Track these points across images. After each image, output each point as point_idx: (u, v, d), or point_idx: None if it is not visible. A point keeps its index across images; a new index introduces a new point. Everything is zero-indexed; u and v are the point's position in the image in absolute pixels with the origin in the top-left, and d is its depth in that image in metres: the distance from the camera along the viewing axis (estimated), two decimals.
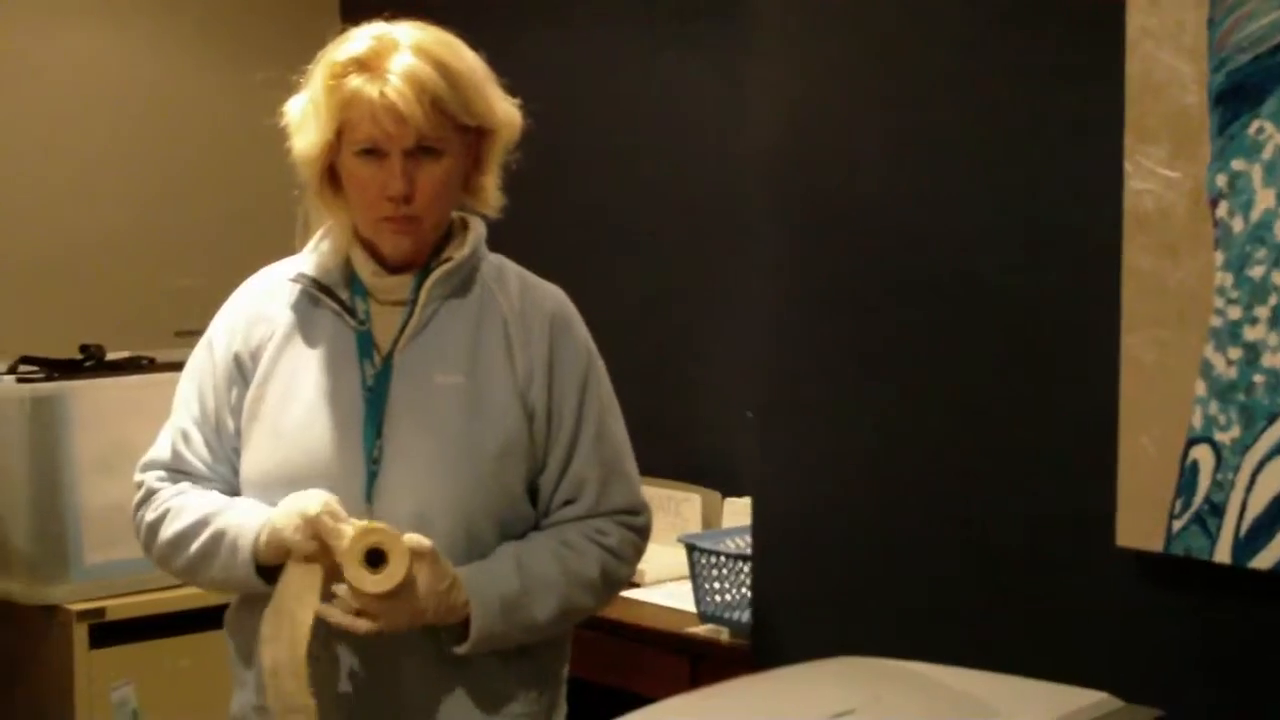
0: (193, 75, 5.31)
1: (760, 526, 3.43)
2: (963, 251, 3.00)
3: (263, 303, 2.69)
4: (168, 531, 2.65)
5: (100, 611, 4.19)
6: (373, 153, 2.53)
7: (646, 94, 4.75)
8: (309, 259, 2.68)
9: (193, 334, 5.04)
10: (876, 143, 3.16)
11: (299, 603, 2.50)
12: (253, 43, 5.36)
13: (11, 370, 4.38)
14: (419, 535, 2.48)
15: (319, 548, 2.49)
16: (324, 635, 2.54)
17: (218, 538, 2.59)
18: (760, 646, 3.40)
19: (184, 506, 2.65)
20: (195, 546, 2.61)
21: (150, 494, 2.69)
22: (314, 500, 2.48)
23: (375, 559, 2.44)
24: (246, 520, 2.57)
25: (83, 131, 5.12)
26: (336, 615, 2.47)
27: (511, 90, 2.65)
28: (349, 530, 2.45)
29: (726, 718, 2.08)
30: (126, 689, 4.20)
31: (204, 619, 4.22)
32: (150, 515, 2.68)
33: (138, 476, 2.72)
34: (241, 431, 2.64)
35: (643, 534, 2.71)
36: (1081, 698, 2.20)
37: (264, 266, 2.79)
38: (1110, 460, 2.74)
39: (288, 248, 2.79)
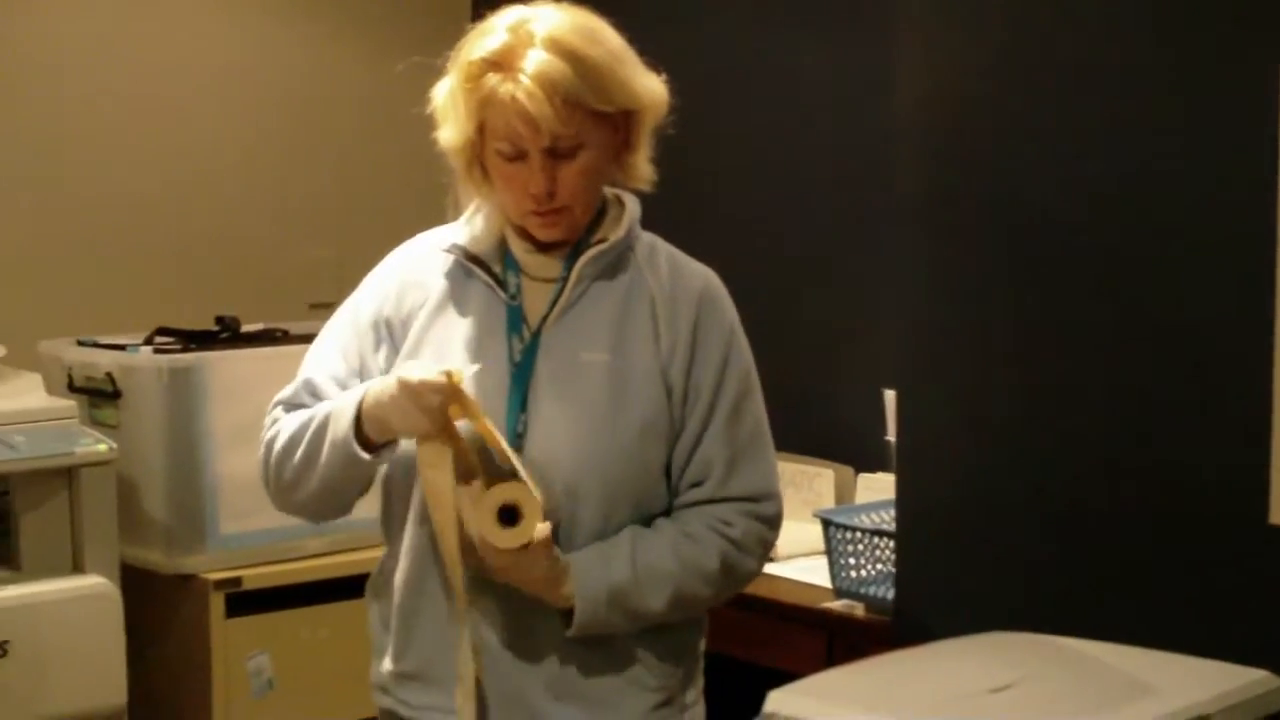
0: (327, 50, 5.32)
1: (905, 502, 3.40)
2: (1114, 235, 2.97)
3: (418, 270, 2.68)
4: (280, 442, 2.64)
5: (236, 581, 4.23)
6: (513, 152, 2.51)
7: (781, 75, 4.73)
8: (463, 230, 2.67)
9: (326, 306, 5.10)
10: (1023, 129, 3.14)
11: (436, 470, 2.49)
12: (387, 19, 5.37)
13: (148, 341, 4.42)
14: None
15: (433, 423, 2.47)
16: (472, 600, 2.54)
17: (324, 420, 2.57)
18: (903, 622, 3.38)
19: (291, 418, 2.64)
20: (305, 439, 2.59)
21: (273, 422, 2.69)
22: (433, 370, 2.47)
23: (508, 516, 2.44)
24: (346, 398, 2.56)
25: (221, 109, 5.14)
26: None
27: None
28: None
29: (886, 690, 2.06)
30: (261, 658, 4.23)
31: (340, 589, 4.26)
32: (266, 436, 2.68)
33: (265, 420, 2.72)
34: None
35: (771, 524, 2.66)
36: (1241, 675, 2.16)
37: (398, 239, 2.78)
38: (1265, 437, 2.70)
39: (422, 222, 2.79)
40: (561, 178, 2.51)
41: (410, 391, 2.45)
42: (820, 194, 4.64)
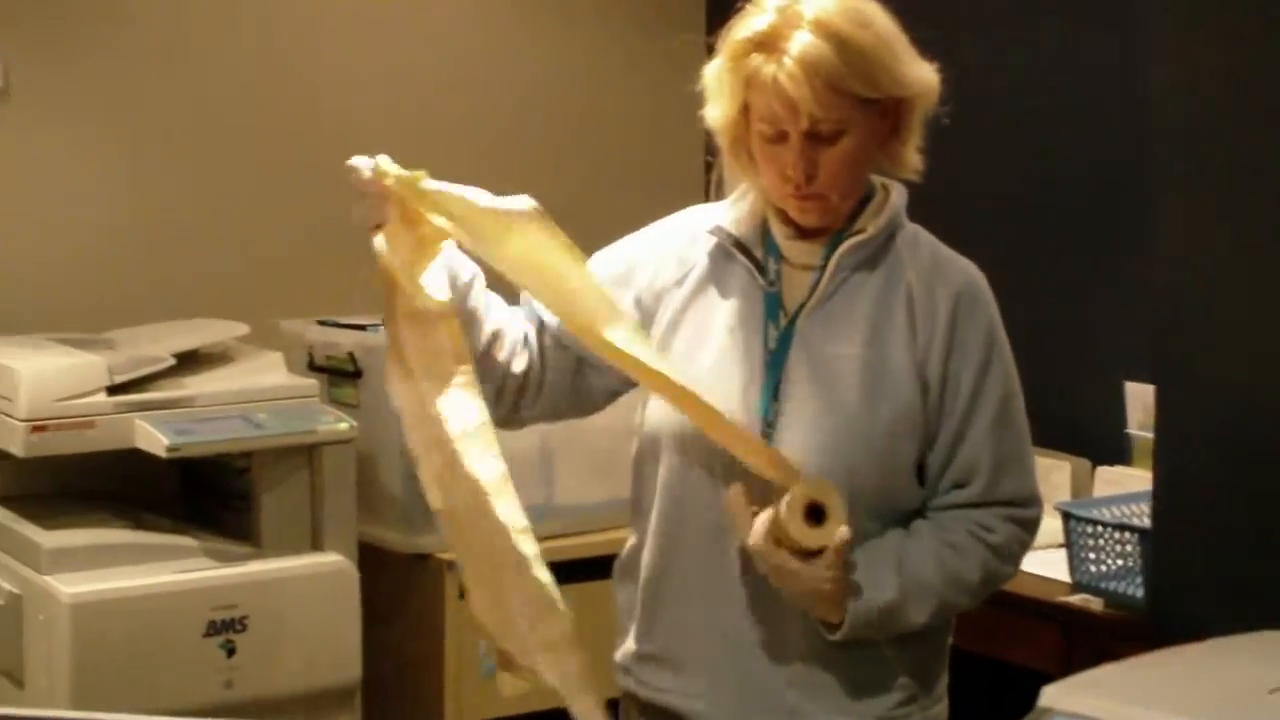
0: (569, 38, 5.34)
1: (1162, 496, 3.34)
2: None
3: (679, 245, 2.68)
4: None
5: None
6: (774, 133, 2.50)
7: (1034, 63, 4.67)
8: (728, 213, 2.66)
9: None
10: None
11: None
12: (635, 7, 5.37)
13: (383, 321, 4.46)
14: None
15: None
16: (720, 586, 2.55)
17: None
18: (1159, 618, 3.31)
19: None
20: None
21: None
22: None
23: (815, 514, 2.41)
24: None
25: (459, 95, 5.19)
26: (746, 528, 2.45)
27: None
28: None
29: (1163, 688, 2.02)
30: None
31: (574, 571, 4.23)
32: None
33: None
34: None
35: (1030, 528, 2.62)
36: None
37: (634, 227, 2.77)
38: None
39: (662, 211, 2.78)
40: (821, 162, 2.49)
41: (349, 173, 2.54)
42: (1060, 187, 4.58)
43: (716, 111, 2.54)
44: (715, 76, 2.53)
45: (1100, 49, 4.44)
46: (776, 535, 2.42)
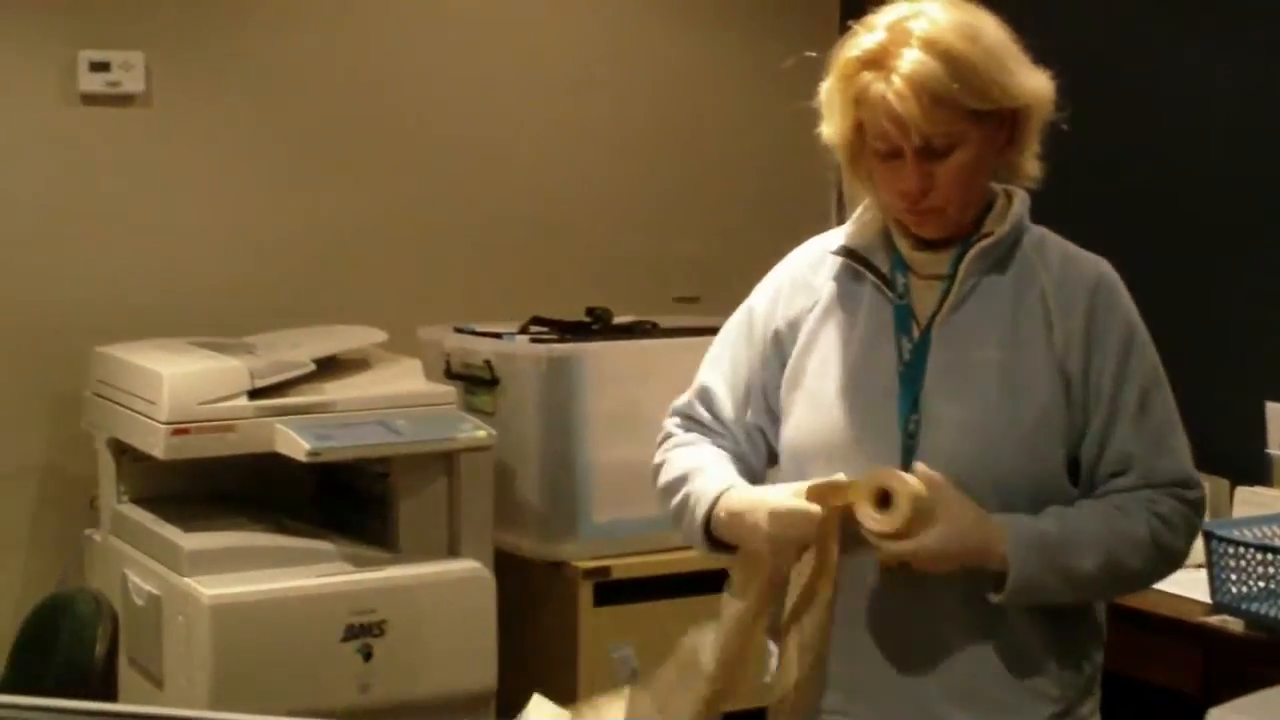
0: (699, 44, 5.34)
1: None
2: None
3: (807, 273, 2.68)
4: (660, 480, 2.71)
5: (605, 570, 4.27)
6: (888, 150, 2.49)
7: (1168, 72, 4.62)
8: (850, 232, 2.66)
9: (689, 300, 5.16)
10: None
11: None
12: (757, 13, 5.37)
13: (523, 331, 4.49)
14: (925, 467, 2.44)
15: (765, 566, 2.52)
16: (868, 588, 2.53)
17: (685, 499, 2.63)
18: None
19: (674, 460, 2.69)
20: (673, 502, 2.67)
21: (666, 438, 2.75)
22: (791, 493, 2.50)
23: (886, 500, 2.42)
24: (708, 486, 2.60)
25: (595, 103, 5.20)
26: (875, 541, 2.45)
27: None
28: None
29: None
30: (627, 649, 4.27)
31: (707, 582, 4.24)
32: (657, 458, 2.74)
33: (663, 426, 2.77)
34: (781, 401, 2.65)
35: (1196, 508, 2.59)
36: None
37: (764, 236, 2.78)
38: None
39: (791, 220, 2.78)
40: (937, 176, 2.48)
41: (779, 521, 2.48)
42: (1203, 206, 4.53)
43: (831, 129, 2.54)
44: (828, 95, 2.53)
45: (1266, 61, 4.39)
46: (875, 537, 2.43)
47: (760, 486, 2.60)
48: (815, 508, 2.45)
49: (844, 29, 2.55)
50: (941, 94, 2.42)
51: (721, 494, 2.58)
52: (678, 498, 2.65)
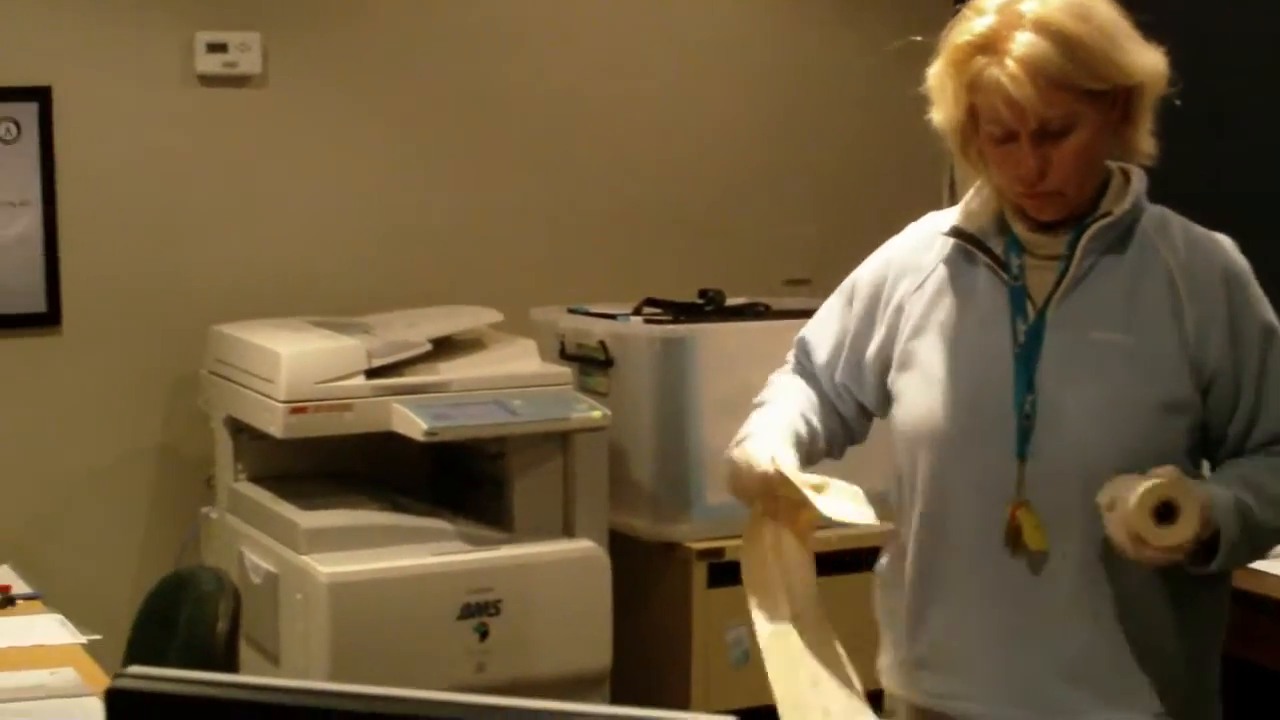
0: (820, 28, 5.32)
1: None
2: None
3: (917, 254, 2.67)
4: (755, 399, 2.81)
5: (719, 551, 4.26)
6: (1003, 134, 2.47)
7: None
8: (963, 213, 2.64)
9: (801, 283, 5.15)
10: None
11: (748, 542, 2.67)
12: (883, 2, 5.34)
13: (637, 312, 4.49)
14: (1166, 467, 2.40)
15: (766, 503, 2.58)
16: (987, 585, 2.52)
17: (748, 421, 2.71)
18: None
19: (770, 383, 2.81)
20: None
21: (781, 366, 2.85)
22: (764, 455, 2.54)
23: (1165, 512, 2.37)
24: (754, 419, 2.70)
25: (715, 87, 5.19)
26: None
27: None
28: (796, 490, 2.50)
29: None
30: (740, 629, 4.26)
31: (822, 563, 4.22)
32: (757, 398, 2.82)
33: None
34: (891, 385, 2.65)
35: None
36: None
37: (879, 218, 2.77)
38: None
39: (906, 203, 2.76)
40: (1053, 158, 2.46)
41: (733, 469, 2.60)
42: None
43: (942, 114, 2.52)
44: (938, 80, 2.52)
45: None
46: (1133, 534, 2.39)
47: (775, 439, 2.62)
48: (768, 466, 2.52)
49: (956, 11, 2.53)
50: (1056, 75, 2.40)
51: (752, 433, 2.65)
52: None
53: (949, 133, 2.53)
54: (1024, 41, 2.41)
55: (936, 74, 2.51)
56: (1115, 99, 2.48)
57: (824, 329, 2.77)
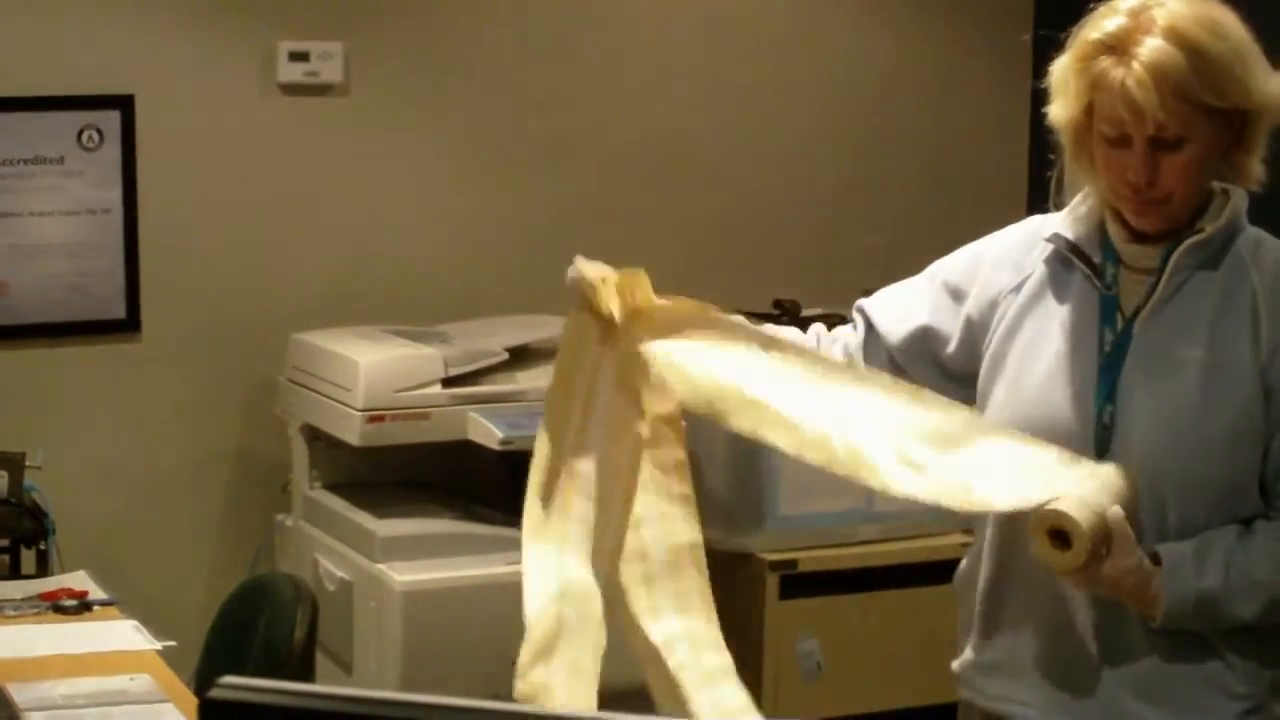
0: (893, 39, 5.30)
1: None
2: None
3: (1015, 252, 2.66)
4: None
5: (792, 563, 4.26)
6: (1116, 136, 2.46)
7: None
8: (1066, 220, 2.63)
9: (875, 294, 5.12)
10: None
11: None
12: (959, 11, 5.31)
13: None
14: (1118, 511, 2.40)
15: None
16: (1056, 593, 2.52)
17: None
18: None
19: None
20: None
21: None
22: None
23: (1062, 537, 2.39)
24: None
25: (785, 94, 5.19)
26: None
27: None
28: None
29: None
30: (811, 641, 4.26)
31: (892, 577, 4.25)
32: None
33: None
34: (980, 385, 2.64)
35: None
36: None
37: (953, 230, 2.77)
38: None
39: (978, 213, 2.76)
40: (1163, 168, 2.45)
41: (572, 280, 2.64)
42: None
43: (1060, 109, 2.51)
44: (1061, 74, 2.51)
45: None
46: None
47: None
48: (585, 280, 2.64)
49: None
50: (1181, 86, 2.39)
51: None
52: None
53: (1063, 128, 2.52)
54: (1153, 47, 2.40)
55: (1060, 68, 2.50)
56: (1232, 119, 2.46)
57: (895, 301, 2.74)
